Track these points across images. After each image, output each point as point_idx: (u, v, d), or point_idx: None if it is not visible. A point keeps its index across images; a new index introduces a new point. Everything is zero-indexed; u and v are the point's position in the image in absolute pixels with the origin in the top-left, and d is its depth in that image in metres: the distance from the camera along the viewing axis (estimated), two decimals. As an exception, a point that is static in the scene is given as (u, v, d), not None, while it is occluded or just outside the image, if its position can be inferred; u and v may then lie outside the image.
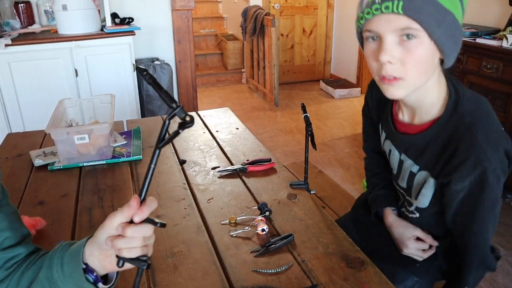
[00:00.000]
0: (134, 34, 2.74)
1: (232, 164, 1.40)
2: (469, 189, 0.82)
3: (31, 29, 2.81)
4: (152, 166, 0.60)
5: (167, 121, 0.59)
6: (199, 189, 1.24)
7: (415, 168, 0.94)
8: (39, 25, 2.91)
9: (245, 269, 0.90)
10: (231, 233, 1.02)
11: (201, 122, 1.80)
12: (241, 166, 1.34)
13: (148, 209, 0.59)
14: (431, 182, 0.91)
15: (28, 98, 2.59)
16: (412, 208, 1.02)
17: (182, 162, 1.42)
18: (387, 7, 0.72)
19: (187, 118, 0.57)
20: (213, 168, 1.37)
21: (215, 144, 1.57)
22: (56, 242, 0.94)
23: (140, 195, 0.60)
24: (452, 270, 1.03)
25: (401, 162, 1.00)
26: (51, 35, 2.64)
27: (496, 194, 0.84)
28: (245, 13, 4.55)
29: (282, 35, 5.06)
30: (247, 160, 1.39)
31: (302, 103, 1.27)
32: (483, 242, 0.90)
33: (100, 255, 0.62)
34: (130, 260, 0.60)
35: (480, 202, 0.83)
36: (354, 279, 0.87)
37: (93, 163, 1.41)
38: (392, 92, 0.80)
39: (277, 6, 4.89)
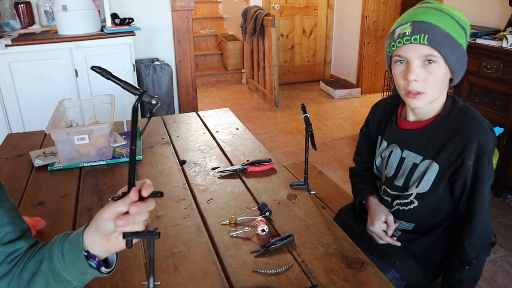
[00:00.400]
0: (134, 35, 2.74)
1: (232, 164, 1.40)
2: (474, 161, 0.99)
3: (31, 29, 2.81)
4: (133, 156, 0.63)
5: (136, 107, 0.62)
6: (199, 189, 1.24)
7: (418, 159, 1.08)
8: (39, 25, 2.91)
9: (245, 270, 0.90)
10: (231, 234, 1.02)
11: (201, 123, 1.80)
12: (241, 167, 1.34)
13: (151, 187, 0.64)
14: (434, 166, 1.04)
15: (28, 98, 2.59)
16: (411, 198, 1.11)
17: (182, 163, 1.42)
18: (415, 39, 0.95)
19: (154, 101, 0.62)
20: (213, 169, 1.37)
21: (215, 144, 1.57)
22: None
23: (131, 181, 0.63)
24: (450, 259, 1.09)
25: (402, 159, 1.13)
26: (51, 36, 2.63)
27: (491, 167, 1.01)
28: (245, 14, 4.55)
29: (282, 35, 5.06)
30: (247, 160, 1.40)
31: (302, 104, 1.27)
32: (486, 213, 1.02)
33: (103, 240, 0.64)
34: (140, 235, 0.63)
35: (482, 172, 0.99)
36: (354, 279, 0.87)
37: (93, 164, 1.41)
38: (415, 103, 1.02)
39: (277, 7, 4.89)
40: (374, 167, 1.26)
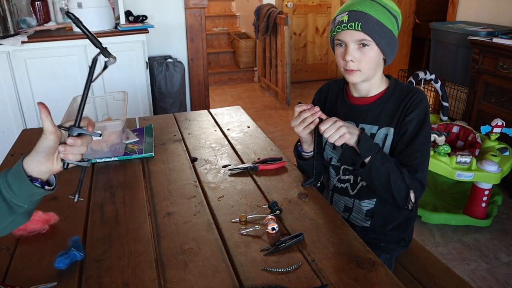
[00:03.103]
0: (148, 32, 2.76)
1: (243, 162, 1.40)
2: (417, 118, 1.16)
3: (46, 26, 2.84)
4: (85, 96, 0.82)
5: (95, 58, 0.80)
6: (210, 187, 1.25)
7: (374, 129, 1.22)
8: (54, 22, 2.94)
9: (255, 268, 0.90)
10: (241, 231, 1.03)
11: (213, 120, 1.80)
12: (252, 165, 1.34)
13: (93, 124, 0.83)
14: (391, 132, 1.19)
15: (43, 94, 2.62)
16: None
17: (193, 160, 1.42)
18: (351, 26, 1.11)
19: (111, 59, 0.83)
20: (224, 166, 1.37)
21: (226, 142, 1.57)
22: (68, 237, 0.95)
23: (77, 118, 0.82)
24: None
25: None
26: (66, 33, 2.66)
27: (429, 130, 1.18)
28: (258, 12, 4.55)
29: (294, 33, 5.04)
30: (258, 158, 1.39)
31: (300, 102, 1.27)
32: (425, 161, 1.17)
33: (47, 161, 0.79)
34: (76, 162, 0.82)
35: (423, 128, 1.16)
36: (365, 279, 0.86)
37: (106, 160, 1.42)
38: (352, 78, 1.19)
39: (290, 5, 4.88)
40: (329, 149, 1.32)
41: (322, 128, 1.11)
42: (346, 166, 1.28)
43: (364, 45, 1.13)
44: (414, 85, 2.55)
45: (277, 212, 1.08)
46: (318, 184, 1.38)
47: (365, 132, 1.13)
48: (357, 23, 1.10)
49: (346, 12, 1.13)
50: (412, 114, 1.16)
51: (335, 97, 1.33)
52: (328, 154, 1.33)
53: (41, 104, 0.80)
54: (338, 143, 1.11)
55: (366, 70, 1.16)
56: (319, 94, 1.39)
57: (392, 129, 1.19)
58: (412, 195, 1.14)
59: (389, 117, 1.20)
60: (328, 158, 1.33)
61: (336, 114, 1.28)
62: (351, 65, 1.15)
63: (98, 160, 1.41)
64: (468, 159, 2.15)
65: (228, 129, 1.69)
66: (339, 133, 1.09)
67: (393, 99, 1.21)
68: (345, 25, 1.12)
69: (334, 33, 1.17)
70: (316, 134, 1.25)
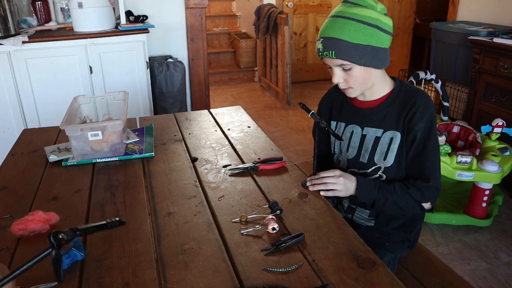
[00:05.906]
0: (148, 32, 2.76)
1: (243, 162, 1.40)
2: (424, 125, 1.15)
3: (47, 26, 2.84)
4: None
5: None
6: (210, 186, 1.25)
7: (379, 132, 1.22)
8: (55, 22, 2.94)
9: (255, 268, 0.90)
10: (242, 231, 1.03)
11: (213, 120, 1.80)
12: (252, 165, 1.34)
13: None
14: (397, 136, 1.19)
15: (43, 94, 2.62)
16: (380, 172, 1.24)
17: (193, 160, 1.42)
18: (326, 54, 1.13)
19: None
20: (225, 166, 1.37)
21: (227, 142, 1.57)
22: (69, 237, 0.95)
23: None
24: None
25: (363, 137, 1.26)
26: (66, 33, 2.66)
27: (437, 135, 1.18)
28: (258, 12, 4.55)
29: (295, 33, 5.04)
30: (259, 158, 1.39)
31: (300, 102, 1.31)
32: (437, 167, 1.18)
33: None
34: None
35: (431, 136, 1.16)
36: (365, 279, 0.86)
37: (106, 160, 1.42)
38: (349, 95, 1.23)
39: (291, 5, 4.87)
40: (337, 149, 1.35)
41: (324, 174, 1.18)
42: (352, 169, 1.30)
43: (345, 68, 1.14)
44: (415, 85, 2.55)
45: (278, 212, 1.08)
46: None
47: (359, 183, 1.17)
48: (331, 51, 1.11)
49: (321, 40, 1.14)
50: (420, 123, 1.15)
51: (340, 100, 1.34)
52: (336, 155, 1.35)
53: None
54: (327, 194, 1.17)
55: (357, 86, 1.18)
56: (325, 98, 1.40)
57: (398, 134, 1.19)
58: (426, 205, 1.18)
59: (394, 120, 1.20)
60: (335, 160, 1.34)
61: (342, 117, 1.31)
62: (341, 85, 1.19)
63: (98, 160, 1.42)
64: (468, 159, 2.15)
65: (229, 129, 1.69)
66: (334, 187, 1.16)
67: (397, 102, 1.21)
68: (321, 53, 1.14)
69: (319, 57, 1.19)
70: (317, 134, 1.26)
